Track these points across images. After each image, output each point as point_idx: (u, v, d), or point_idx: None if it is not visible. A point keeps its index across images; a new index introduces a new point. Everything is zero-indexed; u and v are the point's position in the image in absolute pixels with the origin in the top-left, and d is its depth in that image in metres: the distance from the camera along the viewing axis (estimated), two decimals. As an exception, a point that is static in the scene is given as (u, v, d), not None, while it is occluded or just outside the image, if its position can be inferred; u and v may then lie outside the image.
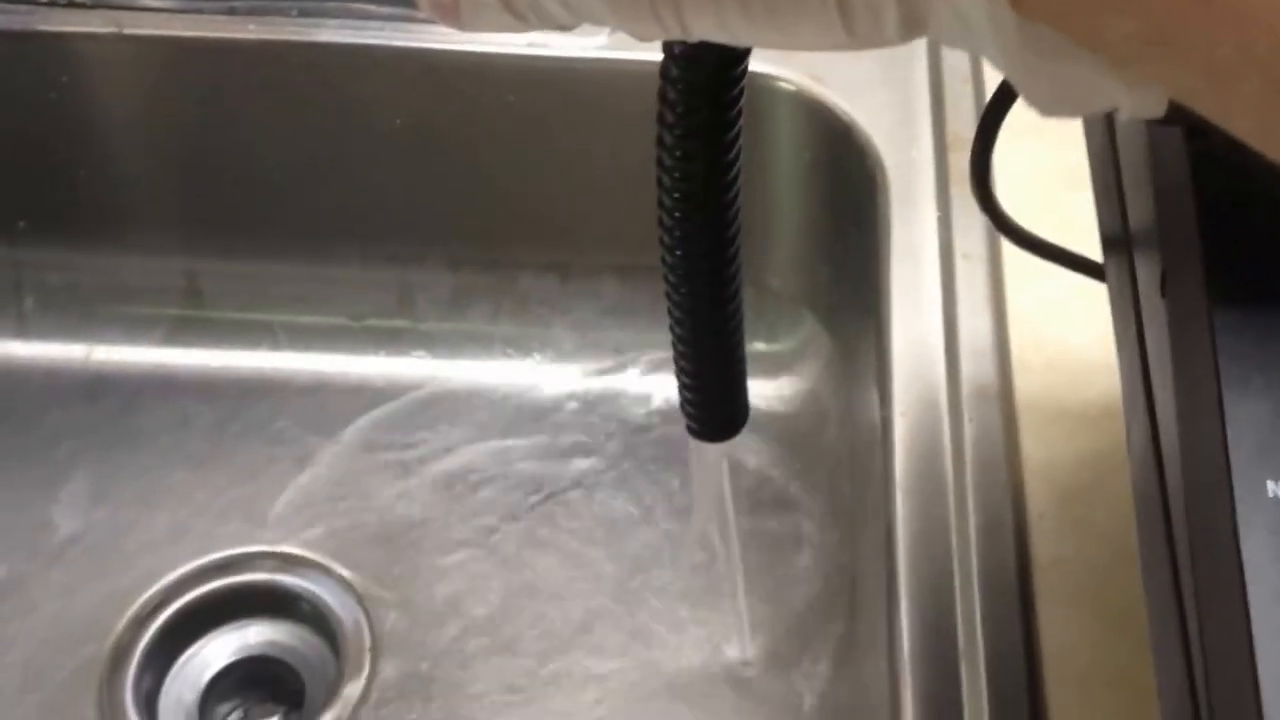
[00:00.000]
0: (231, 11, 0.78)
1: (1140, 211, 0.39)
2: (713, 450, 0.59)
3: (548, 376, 0.85)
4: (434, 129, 0.80)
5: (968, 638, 0.55)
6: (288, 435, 0.83)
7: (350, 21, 0.78)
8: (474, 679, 0.74)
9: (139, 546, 0.78)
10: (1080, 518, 0.56)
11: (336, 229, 0.84)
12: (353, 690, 0.73)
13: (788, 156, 0.78)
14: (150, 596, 0.76)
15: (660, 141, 0.43)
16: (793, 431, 0.81)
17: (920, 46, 0.77)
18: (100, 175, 0.83)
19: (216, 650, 0.76)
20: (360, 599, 0.76)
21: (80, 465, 0.81)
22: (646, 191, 0.45)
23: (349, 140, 0.81)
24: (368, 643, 0.75)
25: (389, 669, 0.74)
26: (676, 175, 0.43)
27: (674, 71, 0.41)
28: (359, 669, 0.74)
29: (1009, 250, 0.63)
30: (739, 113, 0.42)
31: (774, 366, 0.83)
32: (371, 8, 0.78)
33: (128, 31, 0.78)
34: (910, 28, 0.27)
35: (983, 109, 0.45)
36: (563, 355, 0.85)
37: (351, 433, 0.83)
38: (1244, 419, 0.31)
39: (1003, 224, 0.51)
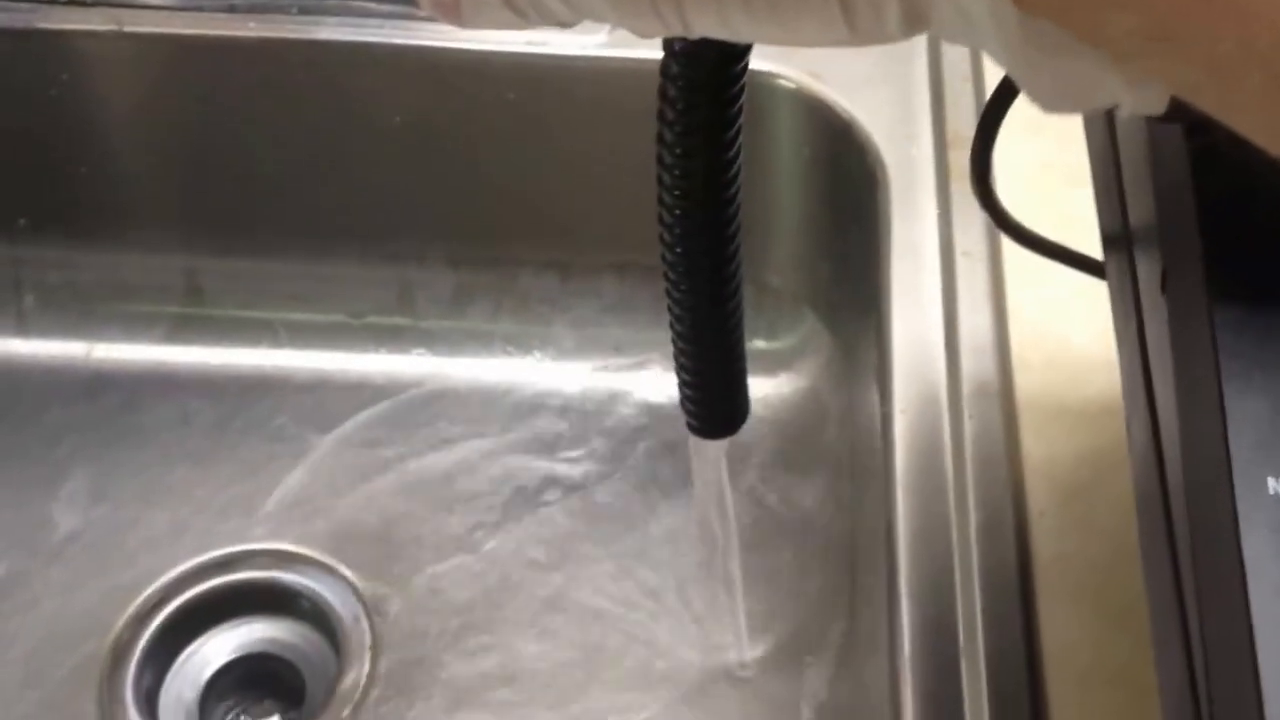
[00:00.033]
0: (231, 9, 0.78)
1: (1141, 209, 0.39)
2: (713, 447, 0.59)
3: (548, 374, 0.85)
4: (434, 127, 0.80)
5: (968, 635, 0.55)
6: (288, 433, 0.83)
7: (350, 19, 0.78)
8: (474, 677, 0.74)
9: (139, 544, 0.78)
10: (1081, 515, 0.56)
11: (337, 227, 0.84)
12: (353, 687, 0.73)
13: (788, 154, 0.78)
14: (151, 594, 0.76)
15: (661, 139, 0.43)
16: (793, 429, 0.81)
17: (920, 44, 0.77)
18: (101, 173, 0.83)
19: (217, 647, 0.76)
20: (360, 596, 0.76)
21: (80, 463, 0.81)
22: (647, 189, 0.45)
23: (349, 138, 0.81)
24: (368, 640, 0.75)
25: (389, 666, 0.74)
26: (677, 173, 0.43)
27: (674, 69, 0.41)
28: (359, 666, 0.74)
29: (1009, 248, 0.63)
30: (739, 110, 0.42)
31: (774, 364, 0.83)
32: (371, 5, 0.78)
33: (128, 29, 0.78)
34: (912, 23, 0.27)
35: (983, 107, 0.45)
36: (563, 353, 0.85)
37: (352, 430, 0.83)
38: (1245, 416, 0.31)
39: (1003, 221, 0.51)
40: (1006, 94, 0.43)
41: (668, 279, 0.47)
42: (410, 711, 0.73)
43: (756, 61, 0.41)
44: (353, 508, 0.80)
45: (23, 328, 0.86)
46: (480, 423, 0.83)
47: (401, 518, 0.79)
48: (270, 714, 0.75)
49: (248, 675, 0.76)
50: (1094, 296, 0.48)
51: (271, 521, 0.79)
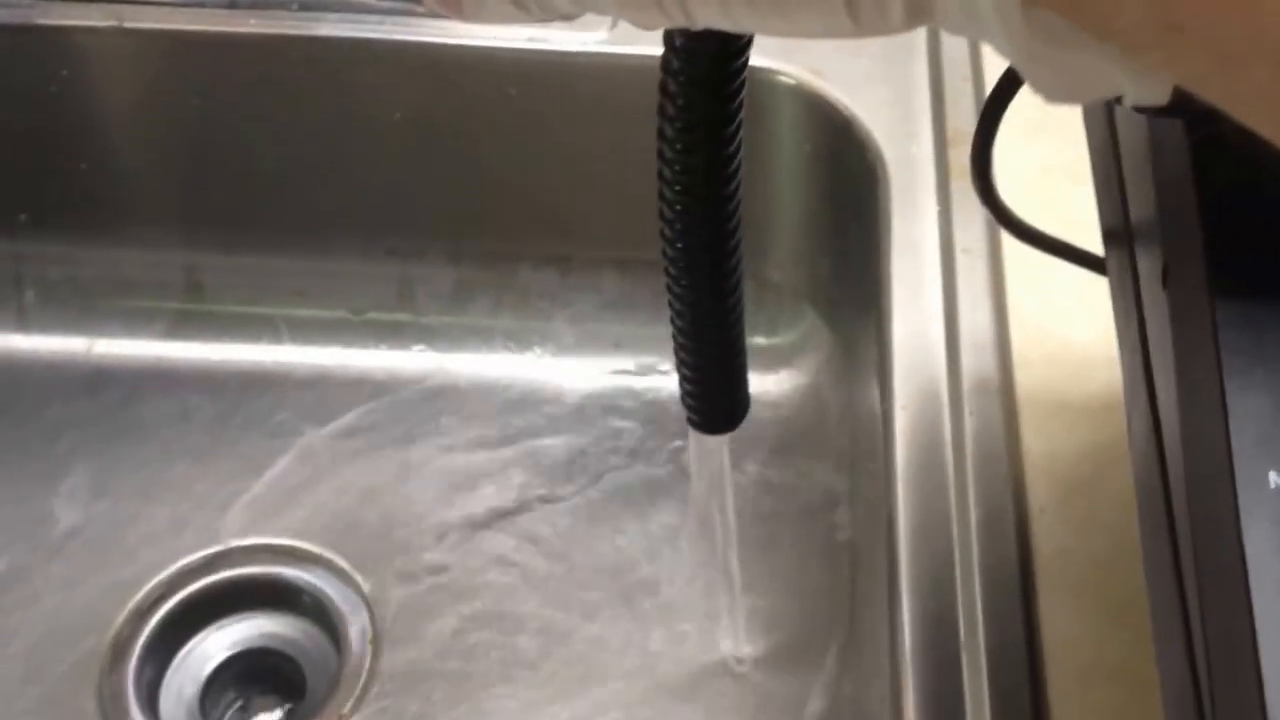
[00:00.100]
0: (232, 5, 0.78)
1: (1141, 204, 0.39)
2: (713, 443, 0.59)
3: (548, 370, 0.85)
4: (434, 123, 0.80)
5: (969, 630, 0.55)
6: (288, 428, 0.83)
7: (350, 15, 0.78)
8: (474, 672, 0.74)
9: (140, 539, 0.78)
10: (1081, 511, 0.56)
11: (337, 223, 0.84)
12: (354, 682, 0.73)
13: (788, 151, 0.78)
14: (151, 589, 0.76)
15: (661, 134, 0.43)
16: (793, 425, 0.81)
17: (920, 41, 0.77)
18: (101, 169, 0.83)
19: (218, 642, 0.76)
20: (361, 591, 0.76)
21: (81, 458, 0.81)
22: (647, 185, 0.45)
23: (349, 134, 0.81)
24: (369, 635, 0.75)
25: (390, 661, 0.74)
26: (677, 168, 0.43)
27: (675, 64, 0.41)
28: (360, 661, 0.74)
29: (1009, 244, 0.63)
30: (740, 105, 0.42)
31: (774, 360, 0.83)
32: (371, 1, 0.78)
33: (128, 25, 0.78)
34: (915, 15, 0.27)
35: (983, 104, 0.45)
36: (563, 349, 0.86)
37: (352, 426, 0.83)
38: (1246, 411, 0.31)
39: (1004, 217, 0.51)
40: (1007, 89, 0.43)
41: (668, 274, 0.47)
42: (411, 706, 0.73)
43: (757, 58, 0.41)
44: (353, 503, 0.80)
45: (23, 323, 0.86)
46: (480, 418, 0.83)
47: (402, 513, 0.79)
48: (271, 709, 0.75)
49: (248, 670, 0.76)
50: (1094, 293, 0.48)
51: (272, 516, 0.79)
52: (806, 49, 0.76)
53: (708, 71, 0.40)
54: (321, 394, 0.84)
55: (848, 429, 0.78)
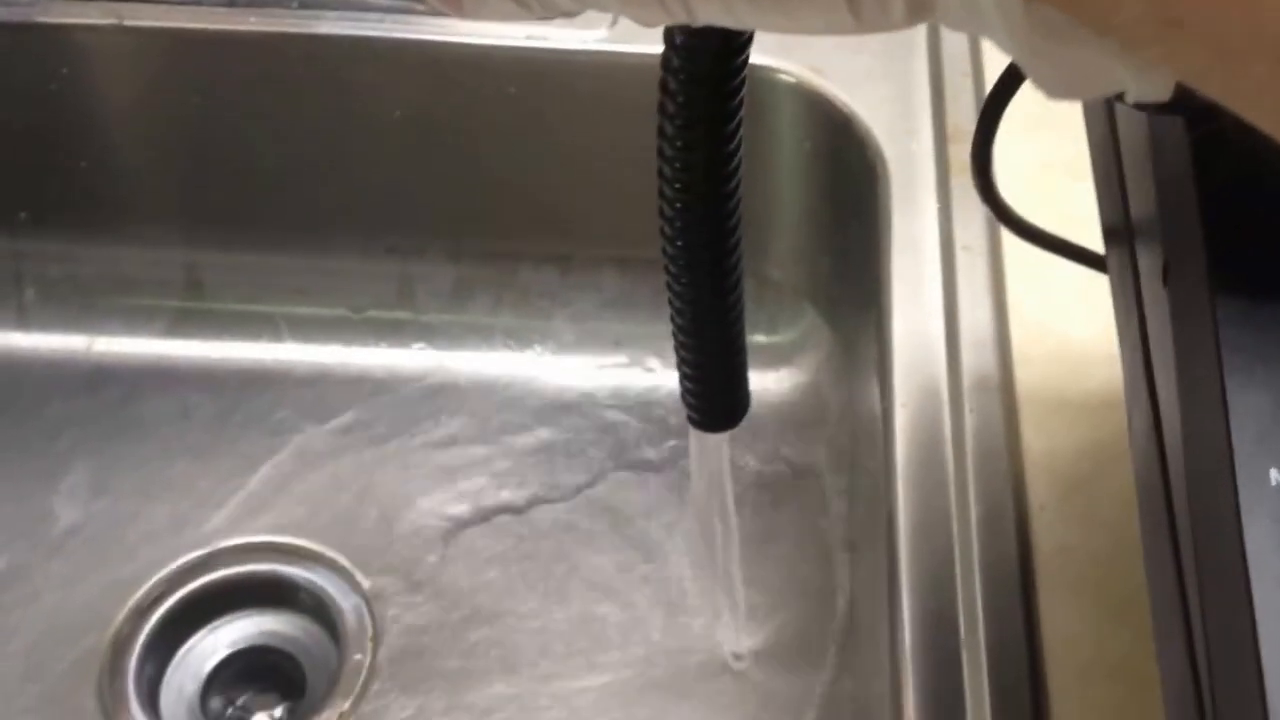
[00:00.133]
0: (231, 3, 0.78)
1: (1142, 201, 0.39)
2: (713, 440, 0.59)
3: (548, 368, 0.85)
4: (434, 121, 0.80)
5: (969, 628, 0.55)
6: (288, 426, 0.83)
7: (350, 13, 0.78)
8: (474, 669, 0.74)
9: (140, 537, 0.78)
10: (1081, 508, 0.56)
11: (337, 221, 0.84)
12: (353, 680, 0.73)
13: (788, 149, 0.78)
14: (151, 587, 0.76)
15: (661, 132, 0.43)
16: (793, 423, 0.81)
17: (920, 38, 0.77)
18: (101, 167, 0.83)
19: (218, 640, 0.76)
20: (361, 589, 0.76)
21: (81, 456, 0.81)
22: (647, 183, 0.45)
23: (349, 133, 0.81)
24: (369, 632, 0.75)
25: (389, 658, 0.74)
26: (678, 165, 0.43)
27: (675, 62, 0.41)
28: (360, 659, 0.74)
29: (1009, 242, 0.63)
30: (741, 103, 0.42)
31: (774, 358, 0.83)
32: (371, -1, 0.78)
33: (128, 23, 0.78)
34: (917, 11, 0.27)
35: (983, 101, 0.45)
36: (563, 347, 0.86)
37: (352, 424, 0.83)
38: (1246, 408, 0.31)
39: (1004, 214, 0.51)
40: (1008, 87, 0.43)
41: (668, 272, 0.47)
42: (411, 703, 0.73)
43: (757, 56, 0.41)
44: (353, 501, 0.80)
45: (24, 321, 0.86)
46: (480, 416, 0.83)
47: (402, 511, 0.79)
48: (271, 706, 0.75)
49: (249, 668, 0.76)
50: (1094, 290, 0.48)
51: (272, 515, 0.79)
52: (806, 46, 0.76)
53: (708, 69, 0.40)
54: (321, 392, 0.84)
55: (848, 427, 0.78)
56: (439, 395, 0.84)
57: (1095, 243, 0.46)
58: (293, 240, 0.85)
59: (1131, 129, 0.40)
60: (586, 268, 0.85)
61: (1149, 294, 0.38)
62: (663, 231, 0.46)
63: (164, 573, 0.77)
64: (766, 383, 0.82)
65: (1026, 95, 0.35)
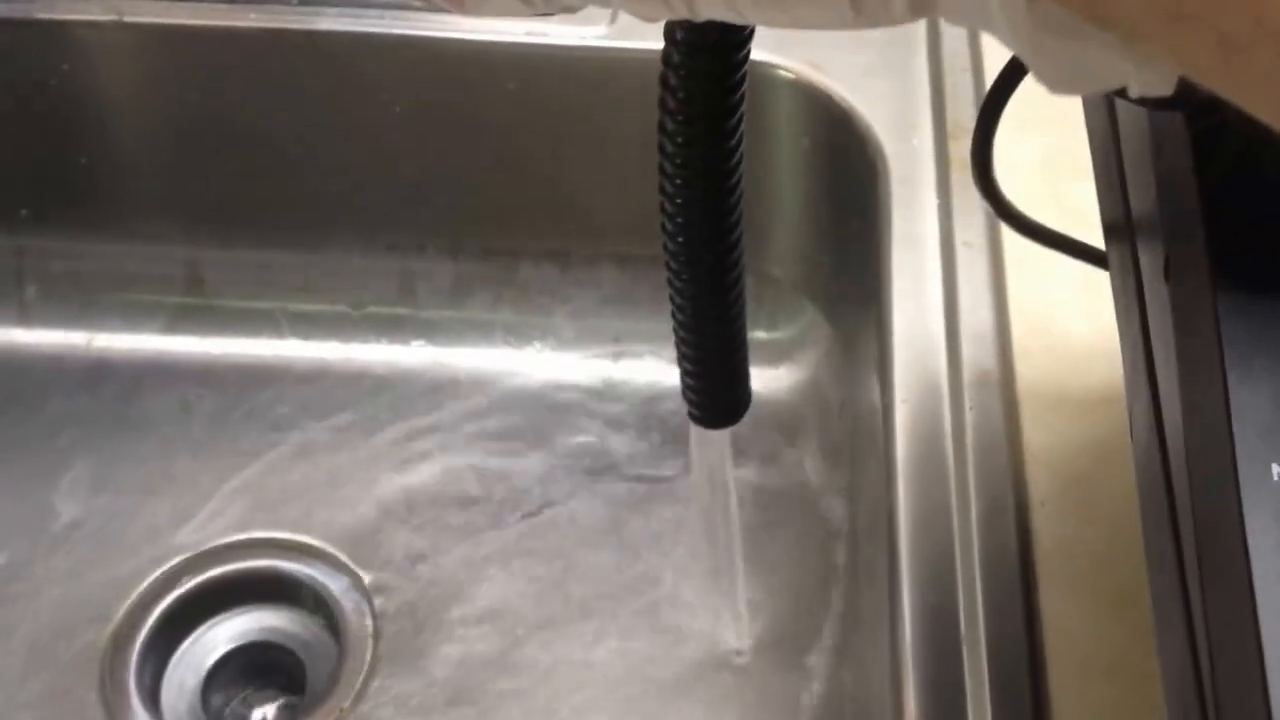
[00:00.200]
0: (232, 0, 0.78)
1: (1142, 197, 0.39)
2: (714, 437, 0.59)
3: (548, 364, 0.85)
4: (434, 117, 0.80)
5: (969, 622, 0.55)
6: (289, 422, 0.83)
7: (350, 9, 0.78)
8: (475, 666, 0.74)
9: (141, 533, 0.78)
10: (1082, 503, 0.56)
11: (337, 217, 0.84)
12: (354, 676, 0.73)
13: (788, 145, 0.78)
14: (152, 582, 0.76)
15: (662, 128, 0.43)
16: (794, 419, 0.81)
17: (920, 34, 0.77)
18: (102, 163, 0.83)
19: (218, 636, 0.76)
20: (362, 585, 0.76)
21: (82, 452, 0.82)
22: (647, 180, 0.45)
23: (349, 128, 0.81)
24: (369, 628, 0.75)
25: (390, 655, 0.74)
26: (678, 161, 0.43)
27: (676, 57, 0.41)
28: (360, 655, 0.74)
29: (1010, 238, 0.63)
30: (741, 98, 0.42)
31: (774, 355, 0.83)
32: (371, -5, 0.78)
33: (128, 19, 0.78)
34: (918, 6, 0.27)
35: (983, 97, 0.45)
36: (563, 344, 0.86)
37: (353, 420, 0.83)
38: (1248, 403, 0.31)
39: (1004, 210, 0.51)
40: (1008, 82, 0.43)
41: (669, 268, 0.47)
42: (411, 700, 0.73)
43: (756, 52, 0.41)
44: (354, 497, 0.80)
45: (25, 318, 0.86)
46: (480, 413, 0.83)
47: (402, 507, 0.79)
48: (272, 702, 0.75)
49: (249, 664, 0.76)
50: (1094, 286, 0.48)
51: (272, 510, 0.79)
52: (806, 42, 0.76)
53: (709, 64, 0.40)
54: (322, 388, 0.84)
55: (848, 423, 0.78)
56: (439, 392, 0.84)
57: (1095, 239, 0.46)
58: (293, 237, 0.85)
59: (1132, 124, 0.40)
60: (586, 264, 0.85)
61: (1150, 289, 0.38)
62: (663, 227, 0.46)
63: (165, 568, 0.77)
64: (766, 379, 0.82)
65: (1027, 91, 0.35)
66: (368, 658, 0.74)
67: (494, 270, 0.86)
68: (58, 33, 0.78)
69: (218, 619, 0.76)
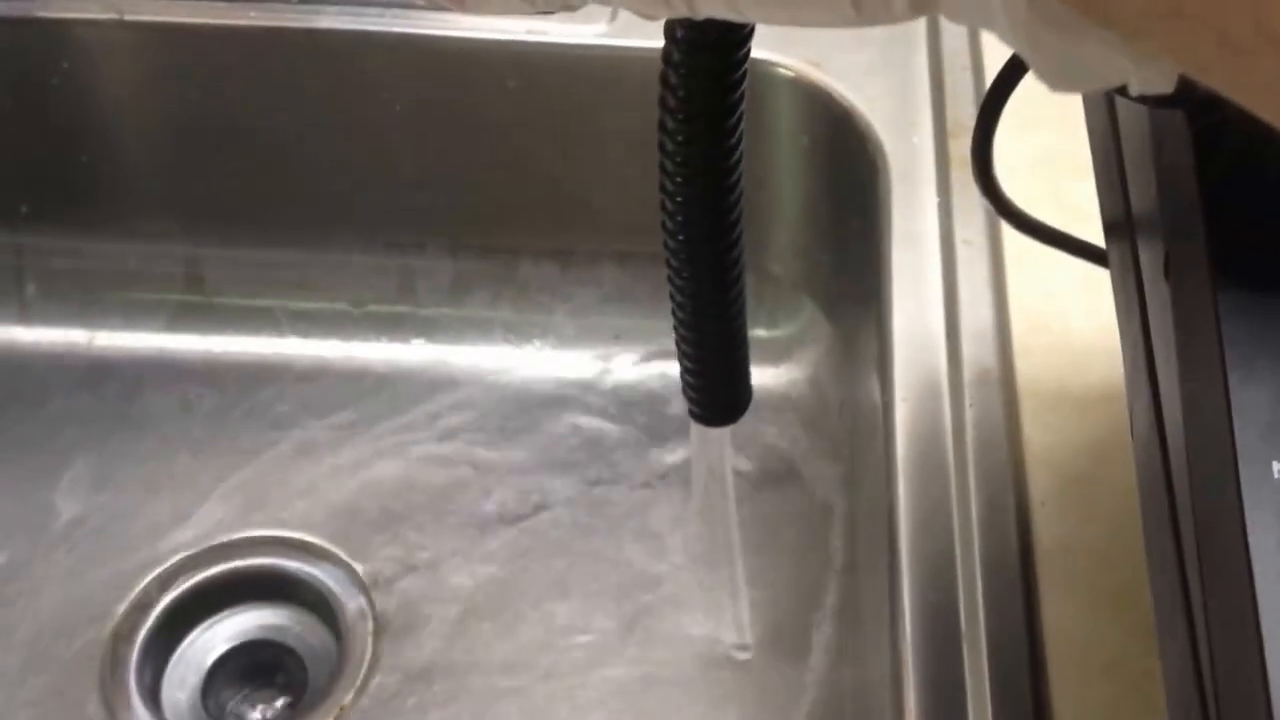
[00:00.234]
0: (232, -3, 0.78)
1: (1143, 194, 0.39)
2: (715, 434, 0.59)
3: (548, 362, 0.85)
4: (434, 115, 0.80)
5: (969, 620, 0.55)
6: (289, 420, 0.83)
7: (350, 8, 0.78)
8: (475, 664, 0.74)
9: (141, 531, 0.78)
10: (1082, 501, 0.56)
11: (337, 215, 0.84)
12: (355, 674, 0.73)
13: (788, 143, 0.78)
14: (153, 581, 0.76)
15: (662, 126, 0.43)
16: (794, 417, 0.81)
17: (921, 31, 0.77)
18: (102, 161, 0.83)
19: (219, 634, 0.76)
20: (362, 584, 0.76)
21: (83, 450, 0.82)
22: (647, 178, 0.45)
23: (349, 127, 0.81)
24: (370, 627, 0.75)
25: (391, 653, 0.74)
26: (678, 159, 0.43)
27: (676, 55, 0.41)
28: (361, 653, 0.74)
29: (1010, 236, 0.63)
30: (741, 96, 0.42)
31: (774, 353, 0.83)
32: (371, -7, 0.78)
33: (128, 18, 0.78)
34: (919, 3, 0.27)
35: (983, 95, 0.45)
36: (563, 341, 0.86)
37: (353, 418, 0.83)
38: (1249, 401, 0.31)
39: (1004, 208, 0.51)
40: (1008, 80, 0.43)
41: (670, 266, 0.47)
42: (412, 698, 0.73)
43: (756, 50, 0.41)
44: (354, 495, 0.80)
45: (25, 316, 0.86)
46: (480, 411, 0.83)
47: (403, 505, 0.79)
48: (272, 700, 0.75)
49: (250, 662, 0.76)
50: (1094, 284, 0.48)
51: (272, 509, 0.79)
52: (806, 40, 0.76)
53: (709, 63, 0.40)
54: (322, 386, 0.84)
55: (848, 421, 0.78)
56: (439, 389, 0.84)
57: (1096, 236, 0.46)
58: (293, 235, 0.85)
59: (1132, 122, 0.40)
60: (586, 262, 0.85)
61: (1150, 287, 0.38)
62: (664, 225, 0.46)
63: (165, 566, 0.77)
64: (766, 377, 0.82)
65: (1027, 89, 0.35)
66: (367, 656, 0.74)
67: (494, 268, 0.86)
68: (58, 31, 0.78)
69: (218, 617, 0.76)
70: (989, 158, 0.48)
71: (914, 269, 0.68)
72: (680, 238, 0.46)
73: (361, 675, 0.73)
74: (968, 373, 0.63)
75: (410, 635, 0.75)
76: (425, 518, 0.79)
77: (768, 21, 0.30)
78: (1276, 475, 0.30)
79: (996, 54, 0.28)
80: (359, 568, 0.77)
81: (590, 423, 0.82)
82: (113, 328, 0.86)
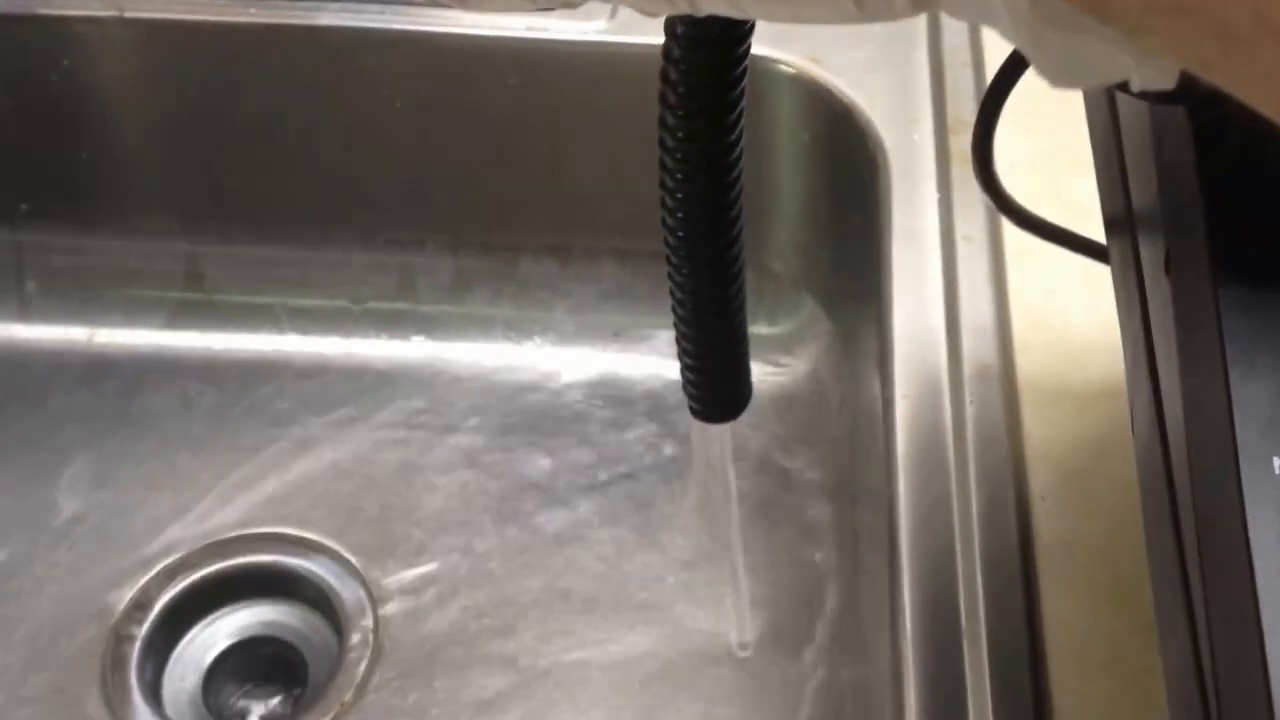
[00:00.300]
0: (232, -6, 0.78)
1: (1143, 190, 0.39)
2: (715, 431, 0.59)
3: (548, 360, 0.85)
4: (434, 112, 0.80)
5: (970, 616, 0.55)
6: (289, 418, 0.83)
7: (350, 5, 0.78)
8: (476, 660, 0.74)
9: (142, 528, 0.78)
10: (1082, 497, 0.57)
11: (338, 212, 0.84)
12: (355, 670, 0.73)
13: (788, 139, 0.78)
14: (153, 577, 0.76)
15: (662, 122, 0.43)
16: (794, 414, 0.81)
17: (921, 28, 0.77)
18: (102, 158, 0.83)
19: (220, 631, 0.76)
20: (363, 580, 0.76)
21: (83, 448, 0.82)
22: (647, 175, 0.45)
23: (349, 124, 0.81)
24: (370, 623, 0.75)
25: (391, 650, 0.74)
26: (679, 156, 0.43)
27: (676, 52, 0.41)
28: (361, 650, 0.74)
29: (1010, 232, 0.63)
30: (741, 93, 0.42)
31: (774, 349, 0.83)
32: (371, -10, 0.78)
33: (128, 15, 0.78)
34: (920, 0, 0.27)
35: (984, 91, 0.45)
36: (563, 338, 0.86)
37: (353, 415, 0.83)
38: (1250, 397, 0.31)
39: (1005, 204, 0.51)
40: (1009, 76, 0.43)
41: (670, 263, 0.47)
42: (412, 695, 0.73)
43: (756, 46, 0.41)
44: (354, 492, 0.80)
45: (25, 313, 0.86)
46: (481, 408, 0.83)
47: (403, 503, 0.79)
48: (273, 697, 0.75)
49: (251, 659, 0.76)
50: (1094, 280, 0.48)
51: (273, 506, 0.79)
52: (806, 36, 0.76)
53: (709, 59, 0.40)
54: (322, 383, 0.84)
55: (848, 417, 0.78)
56: (440, 387, 0.84)
57: (1096, 233, 0.46)
58: (293, 232, 0.85)
59: (1133, 118, 0.40)
60: (587, 259, 0.85)
61: (1151, 283, 0.38)
62: (664, 222, 0.46)
63: (166, 563, 0.77)
64: (766, 374, 0.82)
65: (1028, 85, 0.35)
66: (369, 652, 0.74)
67: (494, 265, 0.86)
68: (58, 28, 0.78)
69: (219, 614, 0.76)
70: (989, 154, 0.48)
71: (914, 265, 0.68)
72: (680, 234, 0.46)
73: (362, 671, 0.73)
74: (968, 369, 0.63)
75: (410, 632, 0.75)
76: (426, 514, 0.79)
77: (769, 18, 0.30)
78: (1277, 470, 0.31)
79: (997, 50, 0.28)
80: (359, 564, 0.77)
81: (590, 420, 0.82)
82: (113, 325, 0.86)
